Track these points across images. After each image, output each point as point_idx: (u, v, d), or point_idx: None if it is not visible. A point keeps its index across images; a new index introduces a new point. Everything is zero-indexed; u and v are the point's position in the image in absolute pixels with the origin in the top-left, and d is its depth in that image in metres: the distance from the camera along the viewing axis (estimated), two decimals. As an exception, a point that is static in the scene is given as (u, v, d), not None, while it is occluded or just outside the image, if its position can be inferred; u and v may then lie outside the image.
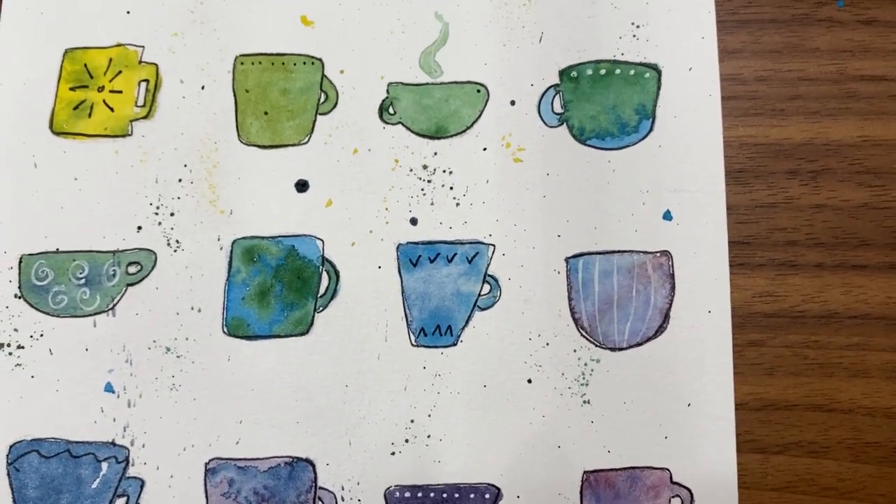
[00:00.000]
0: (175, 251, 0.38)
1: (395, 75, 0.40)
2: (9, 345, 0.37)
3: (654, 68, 0.40)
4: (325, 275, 0.38)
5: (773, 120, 0.40)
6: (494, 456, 0.37)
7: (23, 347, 0.37)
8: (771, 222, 0.39)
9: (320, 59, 0.40)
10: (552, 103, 0.40)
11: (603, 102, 0.40)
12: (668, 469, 0.37)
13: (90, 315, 0.38)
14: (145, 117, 0.39)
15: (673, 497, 0.37)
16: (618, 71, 0.40)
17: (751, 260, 0.39)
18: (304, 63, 0.40)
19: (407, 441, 0.37)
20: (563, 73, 0.40)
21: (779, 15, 0.41)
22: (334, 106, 0.40)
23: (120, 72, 0.40)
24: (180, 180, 0.39)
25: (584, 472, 0.37)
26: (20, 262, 0.38)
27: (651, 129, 0.39)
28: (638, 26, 0.40)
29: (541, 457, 0.37)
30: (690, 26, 0.40)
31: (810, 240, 0.39)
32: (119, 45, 0.40)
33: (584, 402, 0.37)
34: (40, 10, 0.40)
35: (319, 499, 0.37)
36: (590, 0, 0.40)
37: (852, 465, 0.38)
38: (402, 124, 0.40)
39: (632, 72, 0.40)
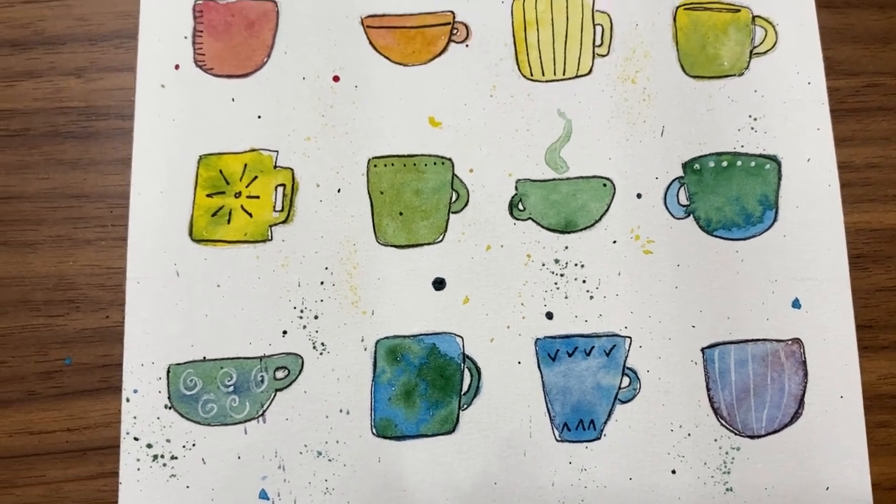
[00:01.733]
0: (321, 354, 0.39)
1: (523, 172, 0.41)
2: (162, 456, 0.37)
3: (774, 160, 0.41)
4: (466, 372, 0.39)
5: (886, 205, 0.42)
6: (643, 546, 0.38)
7: (176, 458, 0.37)
8: (891, 305, 0.41)
9: (450, 159, 0.41)
10: (678, 195, 0.41)
11: (727, 194, 0.41)
12: (810, 552, 0.38)
13: (241, 422, 0.38)
14: (284, 222, 0.40)
15: (817, 580, 0.38)
16: (739, 163, 0.41)
17: (874, 343, 0.40)
18: (435, 163, 0.41)
19: (556, 535, 0.38)
20: (687, 166, 0.41)
21: (886, 103, 0.43)
22: (466, 204, 0.41)
23: (256, 177, 0.40)
24: (322, 283, 0.39)
25: (731, 559, 0.38)
26: (168, 372, 0.38)
27: (775, 220, 0.41)
28: (755, 119, 0.42)
29: (688, 545, 0.38)
30: (806, 118, 0.42)
31: (930, 321, 0.41)
32: (253, 150, 0.41)
33: (728, 489, 0.38)
34: (172, 117, 0.40)
35: None
36: (707, 94, 0.42)
37: (985, 541, 0.39)
38: (532, 220, 0.41)
39: (752, 163, 0.41)
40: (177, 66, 0.41)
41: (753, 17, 0.43)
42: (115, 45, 0.42)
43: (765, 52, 0.42)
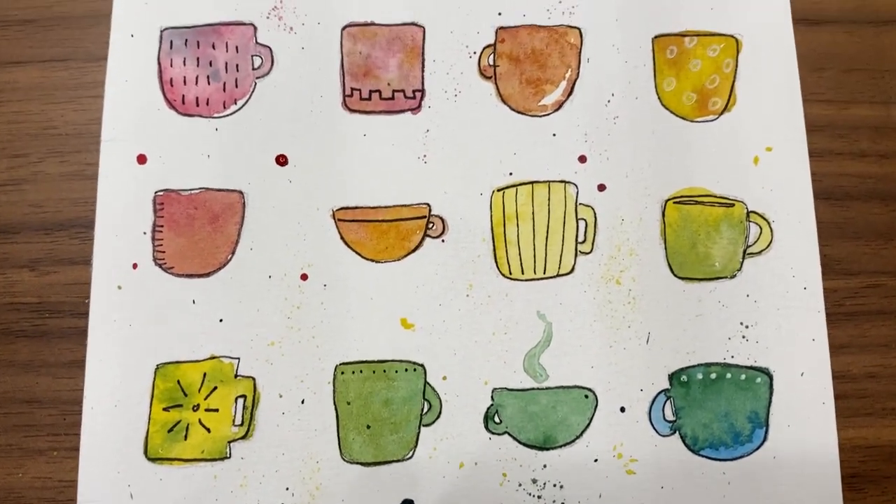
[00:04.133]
0: (280, 585, 0.37)
1: (500, 380, 0.39)
2: None
3: (766, 373, 0.39)
4: None
5: (884, 419, 0.40)
6: None
7: None
8: (888, 530, 0.39)
9: (422, 365, 0.39)
10: (663, 410, 0.39)
11: (715, 409, 0.39)
12: None
13: None
14: (244, 437, 0.38)
15: None
16: (728, 375, 0.39)
17: (869, 571, 0.38)
18: (406, 370, 0.39)
19: None
20: (673, 378, 0.39)
21: (886, 306, 0.41)
22: (438, 416, 0.39)
23: (215, 388, 0.38)
24: (282, 506, 0.37)
25: None
26: None
27: (764, 440, 0.38)
28: (747, 326, 0.39)
29: None
30: (800, 327, 0.39)
31: (929, 550, 0.39)
32: (213, 357, 0.38)
33: None
34: (129, 322, 0.38)
35: None
36: (696, 298, 0.40)
37: None
38: (509, 434, 0.39)
39: (743, 376, 0.39)
40: (134, 266, 0.39)
41: (748, 213, 0.40)
42: (71, 235, 0.40)
43: (759, 252, 0.40)
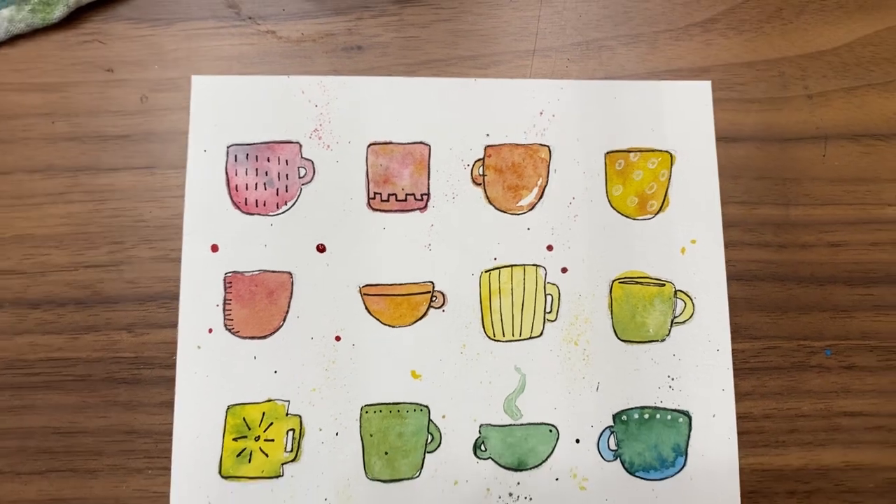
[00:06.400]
0: (320, 571, 0.49)
1: (485, 418, 0.51)
2: None
3: (686, 414, 0.51)
4: (436, 585, 0.49)
5: (777, 450, 0.52)
6: None
7: None
8: (776, 533, 0.51)
9: (427, 406, 0.51)
10: (608, 442, 0.51)
11: (647, 441, 0.51)
12: None
13: None
14: (293, 460, 0.50)
15: None
16: (658, 416, 0.51)
17: (762, 564, 0.51)
18: (415, 410, 0.51)
19: None
20: (616, 417, 0.51)
21: (781, 363, 0.53)
22: (438, 445, 0.51)
23: (272, 423, 0.50)
24: (322, 513, 0.50)
25: None
26: (201, 585, 0.49)
27: (684, 465, 0.51)
28: (673, 379, 0.52)
29: None
30: (713, 380, 0.52)
31: (807, 548, 0.51)
32: (270, 400, 0.51)
33: None
34: (206, 374, 0.51)
35: None
36: (635, 356, 0.52)
37: None
38: (492, 459, 0.51)
39: (668, 417, 0.51)
40: (210, 330, 0.51)
41: (676, 291, 0.53)
42: (160, 305, 0.52)
43: (683, 322, 0.53)
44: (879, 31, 0.57)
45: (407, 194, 0.53)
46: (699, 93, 0.55)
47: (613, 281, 0.53)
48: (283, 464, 0.50)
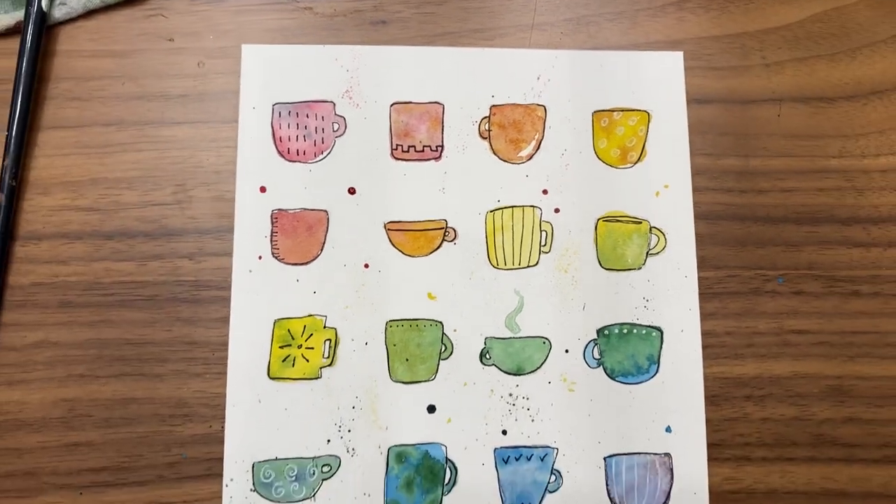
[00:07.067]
0: (352, 456, 0.59)
1: (490, 332, 0.61)
2: (248, 522, 0.58)
3: (659, 330, 0.61)
4: (448, 470, 0.59)
5: (735, 361, 0.62)
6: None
7: (257, 524, 0.58)
8: (734, 430, 0.61)
9: (441, 322, 0.61)
10: (593, 352, 0.61)
11: (626, 352, 0.61)
12: None
13: (299, 501, 0.58)
14: (330, 365, 0.60)
15: None
16: (635, 331, 0.61)
17: (720, 455, 0.60)
18: (431, 325, 0.61)
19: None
20: (599, 332, 0.61)
21: (740, 289, 0.63)
22: (451, 353, 0.61)
23: (312, 334, 0.60)
24: (353, 407, 0.59)
25: None
26: (253, 467, 0.58)
27: (657, 371, 0.61)
28: (647, 300, 0.61)
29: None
30: (682, 301, 0.61)
31: (759, 442, 0.61)
32: (310, 315, 0.60)
33: (617, 552, 0.59)
34: (257, 292, 0.60)
35: None
36: (615, 282, 0.62)
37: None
38: (495, 366, 0.61)
39: (644, 332, 0.61)
40: (259, 257, 0.61)
41: (651, 228, 0.62)
42: (216, 237, 0.62)
43: (657, 253, 0.62)
44: (827, 11, 0.66)
45: (424, 146, 0.63)
46: (673, 62, 0.64)
47: (598, 219, 0.62)
48: (321, 367, 0.60)
